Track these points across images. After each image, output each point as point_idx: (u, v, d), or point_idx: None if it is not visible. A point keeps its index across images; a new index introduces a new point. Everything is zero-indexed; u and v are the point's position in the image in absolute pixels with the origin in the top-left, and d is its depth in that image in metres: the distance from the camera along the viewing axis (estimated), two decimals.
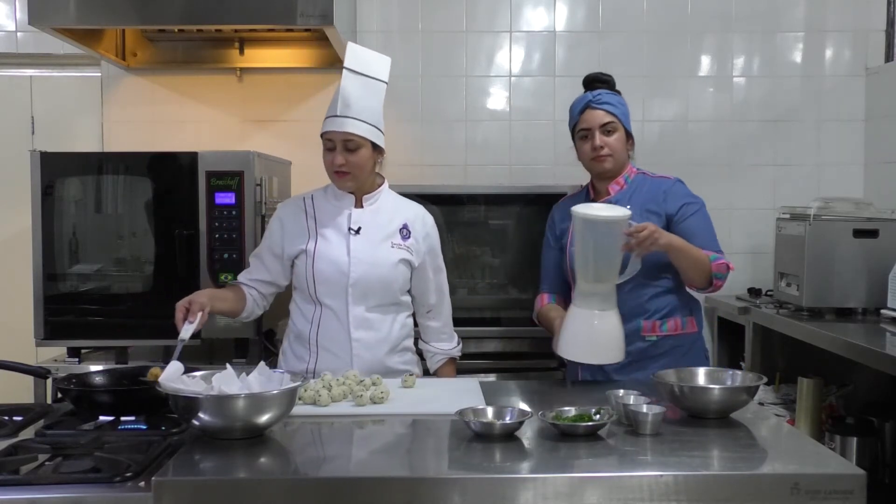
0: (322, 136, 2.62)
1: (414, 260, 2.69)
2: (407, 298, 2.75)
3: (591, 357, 2.54)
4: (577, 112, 2.77)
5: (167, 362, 2.11)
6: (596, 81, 2.82)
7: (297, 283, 2.72)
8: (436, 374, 2.85)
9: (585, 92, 2.82)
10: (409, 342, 2.77)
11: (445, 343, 2.85)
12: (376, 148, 2.63)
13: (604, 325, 2.49)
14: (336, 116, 2.58)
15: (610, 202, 2.71)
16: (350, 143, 2.57)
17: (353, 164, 2.59)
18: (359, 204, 2.69)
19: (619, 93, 2.82)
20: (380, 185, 2.74)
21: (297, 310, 2.73)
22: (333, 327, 2.63)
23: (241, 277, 2.76)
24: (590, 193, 2.83)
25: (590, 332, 2.49)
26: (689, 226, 2.67)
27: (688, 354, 2.69)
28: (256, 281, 2.73)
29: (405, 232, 2.70)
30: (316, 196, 2.74)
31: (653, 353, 2.67)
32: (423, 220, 2.75)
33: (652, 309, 2.68)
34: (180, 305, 2.44)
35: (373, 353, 2.63)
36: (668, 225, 2.67)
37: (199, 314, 2.42)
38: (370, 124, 2.59)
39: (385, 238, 2.67)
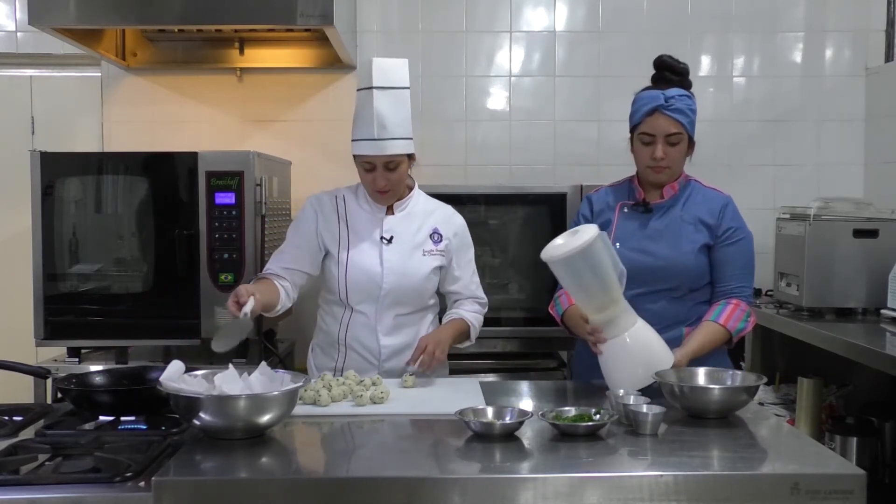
0: (357, 157, 2.58)
1: (446, 263, 2.70)
2: (435, 300, 2.75)
3: (647, 378, 2.25)
4: (644, 113, 2.54)
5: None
6: (670, 71, 2.59)
7: (327, 286, 2.70)
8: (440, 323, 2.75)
9: (655, 80, 2.59)
10: None
11: (469, 313, 2.73)
12: (410, 156, 2.63)
13: (640, 341, 2.30)
14: (374, 140, 2.54)
15: (662, 206, 2.61)
16: (391, 164, 2.56)
17: (393, 182, 2.59)
18: (390, 210, 2.68)
19: (690, 85, 2.61)
20: (410, 190, 2.72)
21: (327, 309, 2.72)
22: (363, 331, 2.64)
23: (275, 268, 2.62)
24: (634, 189, 2.66)
25: (632, 355, 2.29)
26: (729, 253, 2.58)
27: (722, 363, 2.58)
28: (294, 271, 2.62)
29: (436, 237, 2.69)
30: (347, 198, 2.70)
31: (694, 361, 2.46)
32: (450, 221, 2.73)
33: (693, 316, 2.58)
34: (230, 302, 2.32)
35: (399, 359, 2.62)
36: (714, 241, 2.58)
37: (251, 298, 2.30)
38: (405, 138, 2.57)
39: (416, 247, 2.65)
